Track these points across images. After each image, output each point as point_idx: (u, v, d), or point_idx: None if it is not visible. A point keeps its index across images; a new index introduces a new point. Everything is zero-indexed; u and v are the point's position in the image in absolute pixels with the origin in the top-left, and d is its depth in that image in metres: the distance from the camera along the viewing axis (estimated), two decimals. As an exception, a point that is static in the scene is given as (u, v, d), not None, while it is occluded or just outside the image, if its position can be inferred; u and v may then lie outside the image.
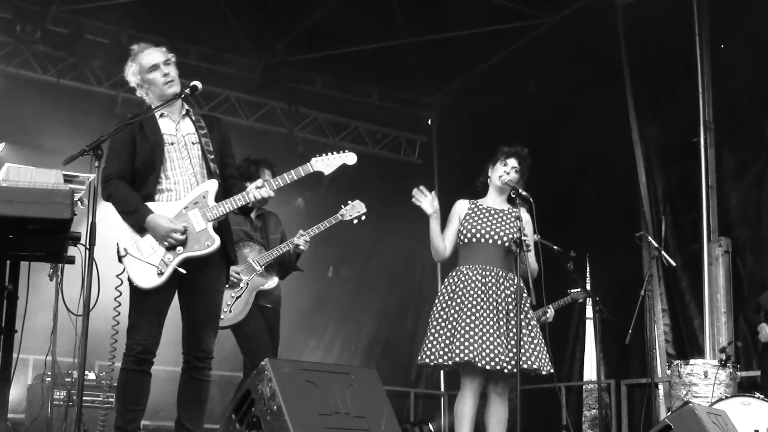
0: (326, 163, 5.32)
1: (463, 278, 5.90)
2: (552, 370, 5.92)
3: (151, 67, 5.11)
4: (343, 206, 6.86)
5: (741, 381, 7.90)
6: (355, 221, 6.85)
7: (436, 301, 5.98)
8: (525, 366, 5.75)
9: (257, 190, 5.06)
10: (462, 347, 5.68)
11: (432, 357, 5.84)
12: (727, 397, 7.08)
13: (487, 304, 5.80)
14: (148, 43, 5.29)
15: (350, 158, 5.41)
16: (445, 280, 6.05)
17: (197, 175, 5.08)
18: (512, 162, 6.09)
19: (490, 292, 5.84)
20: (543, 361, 5.87)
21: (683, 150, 9.65)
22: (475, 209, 6.10)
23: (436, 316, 5.92)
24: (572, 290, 8.06)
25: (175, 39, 5.41)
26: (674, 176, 9.84)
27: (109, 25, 10.58)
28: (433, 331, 5.89)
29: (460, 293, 5.85)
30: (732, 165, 9.35)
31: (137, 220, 4.91)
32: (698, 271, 9.24)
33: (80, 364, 4.31)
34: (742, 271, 9.13)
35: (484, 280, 5.86)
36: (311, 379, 4.18)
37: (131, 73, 5.18)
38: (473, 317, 5.73)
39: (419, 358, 5.94)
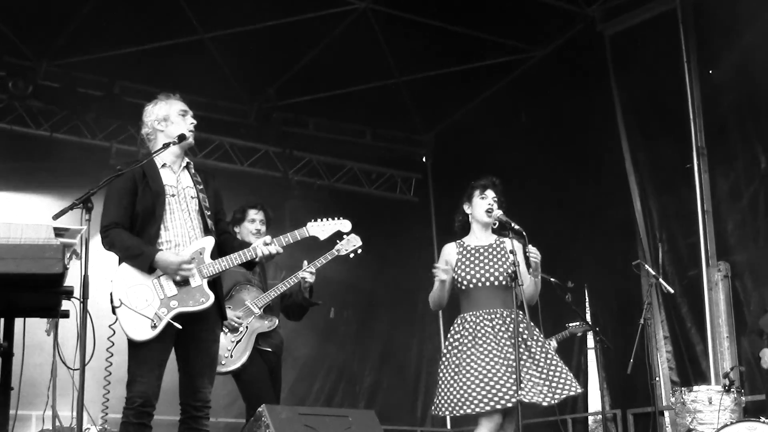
0: (321, 229, 5.53)
1: (469, 327, 5.77)
2: (579, 389, 5.83)
3: (183, 111, 5.24)
4: (338, 241, 6.73)
5: (746, 405, 7.84)
6: (351, 255, 6.78)
7: (445, 351, 5.83)
8: (564, 395, 5.71)
9: (266, 246, 5.11)
10: (489, 396, 5.52)
11: (449, 408, 5.64)
12: (732, 423, 7.01)
13: (500, 346, 5.66)
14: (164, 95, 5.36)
15: (345, 225, 5.67)
16: (451, 329, 5.88)
17: (195, 230, 5.11)
18: (490, 194, 5.99)
19: (500, 334, 5.71)
20: (571, 380, 5.78)
21: (677, 176, 9.68)
22: (465, 252, 5.97)
23: (448, 365, 5.74)
24: (571, 324, 7.99)
25: (167, 88, 5.44)
26: (669, 203, 9.84)
27: (100, 77, 10.62)
28: (446, 382, 5.71)
29: (468, 344, 5.70)
30: (726, 189, 9.37)
31: (146, 260, 4.92)
32: (698, 296, 9.22)
33: (78, 418, 4.29)
34: (742, 295, 9.10)
35: (491, 324, 5.74)
36: (309, 423, 4.18)
37: (159, 108, 5.24)
38: (489, 365, 5.59)
39: (433, 408, 5.77)
